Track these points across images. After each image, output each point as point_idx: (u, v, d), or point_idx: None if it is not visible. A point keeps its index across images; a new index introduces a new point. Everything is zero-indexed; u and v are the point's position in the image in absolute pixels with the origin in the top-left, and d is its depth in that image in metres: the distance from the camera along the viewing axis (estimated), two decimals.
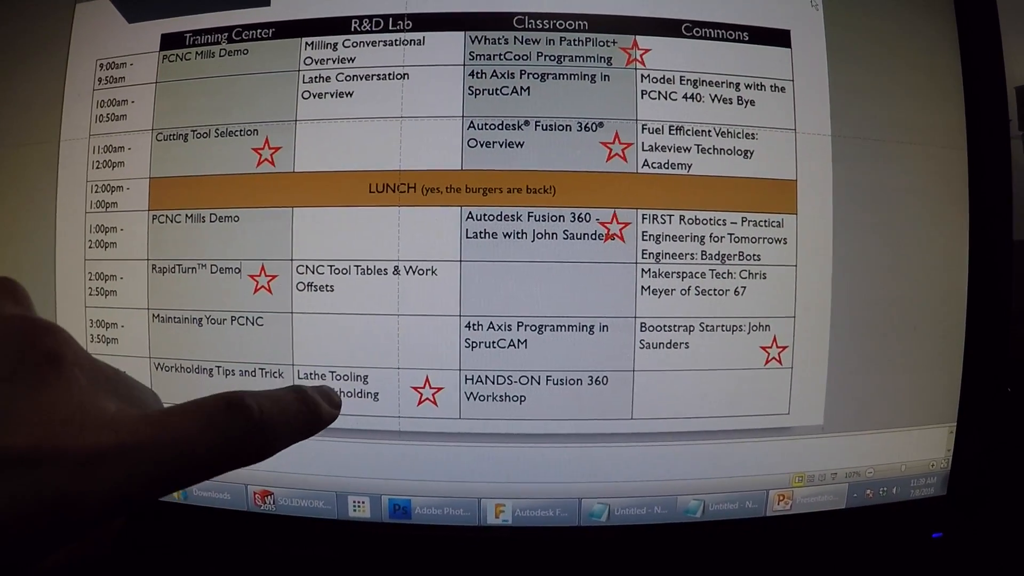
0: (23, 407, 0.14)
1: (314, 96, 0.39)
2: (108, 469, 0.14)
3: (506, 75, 0.38)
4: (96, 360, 0.17)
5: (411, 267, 0.37)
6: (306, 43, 0.39)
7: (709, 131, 0.38)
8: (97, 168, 0.41)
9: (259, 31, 0.40)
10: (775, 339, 0.39)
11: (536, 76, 0.38)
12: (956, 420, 0.41)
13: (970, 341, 0.41)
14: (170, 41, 0.41)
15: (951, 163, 0.41)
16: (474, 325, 0.37)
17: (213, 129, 0.39)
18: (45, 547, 0.14)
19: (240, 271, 0.39)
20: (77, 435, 0.14)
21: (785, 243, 0.39)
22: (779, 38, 0.40)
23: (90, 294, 0.41)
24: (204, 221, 0.39)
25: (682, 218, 0.38)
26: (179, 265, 0.40)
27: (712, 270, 0.38)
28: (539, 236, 0.37)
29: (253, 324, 0.39)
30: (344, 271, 0.38)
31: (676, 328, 0.38)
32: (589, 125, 0.38)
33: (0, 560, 0.13)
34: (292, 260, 0.38)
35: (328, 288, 0.38)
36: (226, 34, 0.40)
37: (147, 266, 0.40)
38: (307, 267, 0.38)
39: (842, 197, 0.39)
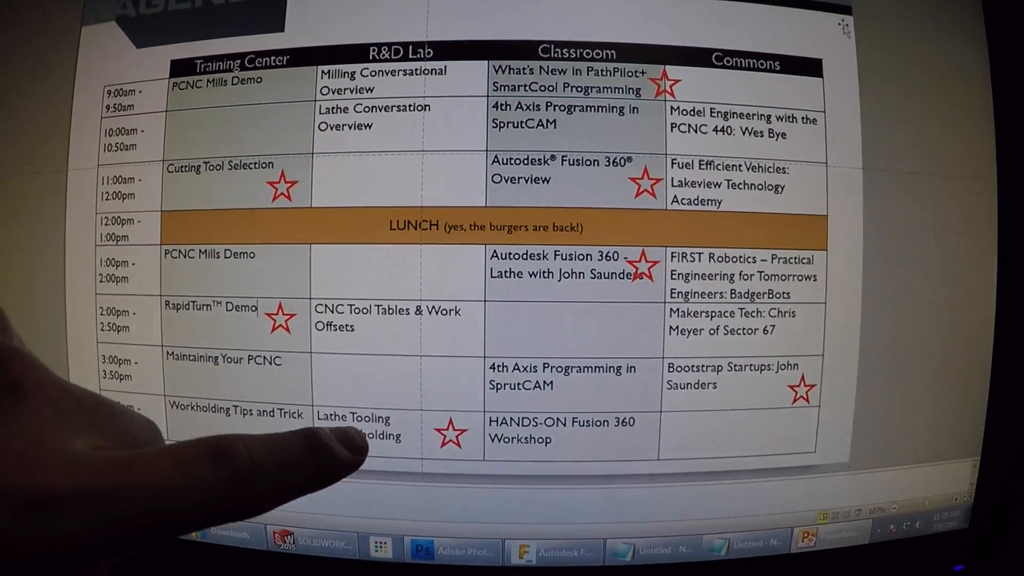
0: None
1: (331, 128, 0.36)
2: (62, 515, 0.12)
3: (531, 107, 0.36)
4: (72, 388, 0.15)
5: (434, 307, 0.35)
6: (322, 71, 0.36)
7: (740, 165, 0.36)
8: (107, 199, 0.39)
9: (273, 58, 0.37)
10: (803, 377, 0.37)
11: (562, 108, 0.36)
12: (980, 454, 0.40)
13: (996, 375, 0.40)
14: (180, 68, 0.38)
15: (981, 195, 0.39)
16: (499, 366, 0.35)
17: (226, 161, 0.37)
18: None
19: (257, 309, 0.37)
20: (27, 474, 0.12)
21: (815, 280, 0.37)
22: (811, 67, 0.37)
23: (102, 329, 0.39)
24: (218, 257, 0.37)
25: (711, 256, 0.36)
26: (193, 302, 0.37)
27: (741, 309, 0.36)
28: (566, 275, 0.35)
29: (271, 363, 0.37)
30: (365, 311, 0.36)
31: (704, 368, 0.36)
32: (617, 160, 0.35)
33: None
34: (311, 299, 0.36)
35: (348, 328, 0.36)
36: (238, 61, 0.37)
37: (160, 302, 0.38)
38: (326, 306, 0.36)
39: (872, 232, 0.37)
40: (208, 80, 0.38)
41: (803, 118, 0.37)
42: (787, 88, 0.37)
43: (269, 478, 0.14)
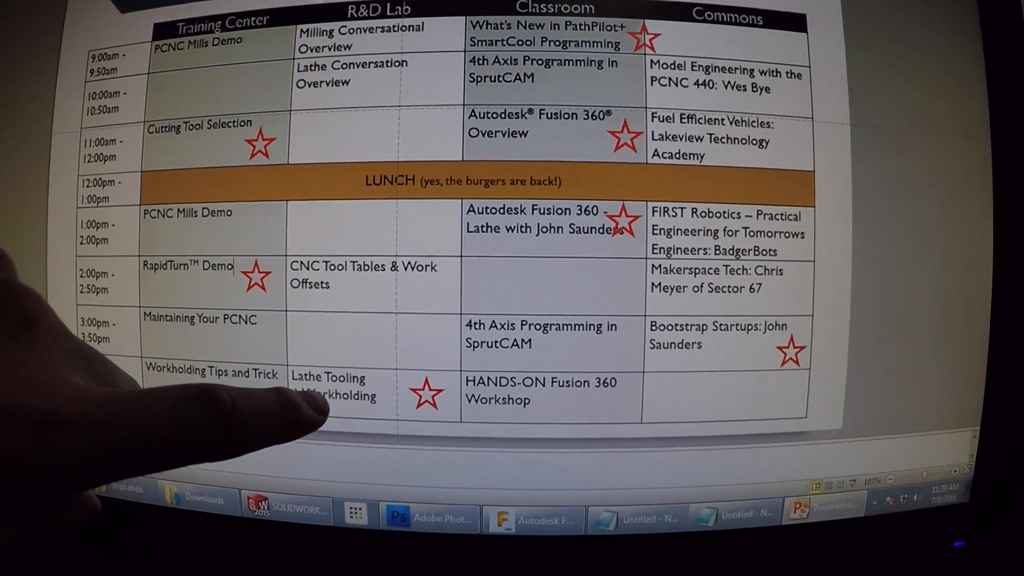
0: None
1: (309, 85, 0.35)
2: (67, 436, 0.13)
3: (509, 61, 0.34)
4: (73, 335, 0.16)
5: (410, 263, 0.33)
6: (301, 30, 0.35)
7: (722, 119, 0.34)
8: (89, 162, 0.37)
9: (253, 18, 0.36)
10: (792, 339, 0.34)
11: (540, 62, 0.34)
12: (980, 424, 0.37)
13: (995, 340, 0.37)
14: (163, 31, 0.37)
15: (975, 153, 0.37)
16: (475, 324, 0.33)
17: (206, 120, 0.36)
18: None
19: (233, 267, 0.35)
20: (40, 398, 0.13)
21: (803, 237, 0.34)
22: (795, 22, 0.35)
23: (81, 292, 0.37)
24: (196, 216, 0.35)
25: (694, 211, 0.34)
26: (171, 261, 0.36)
27: (726, 266, 0.34)
28: (544, 230, 0.33)
29: (246, 322, 0.35)
30: (340, 267, 0.34)
31: (688, 327, 0.34)
32: (596, 113, 0.34)
33: None
34: (286, 256, 0.34)
35: (323, 285, 0.34)
36: (219, 22, 0.36)
37: (139, 262, 0.36)
38: (302, 263, 0.34)
39: (862, 189, 0.35)
40: (190, 42, 0.36)
41: (787, 73, 0.35)
42: (770, 43, 0.35)
43: (247, 423, 0.15)
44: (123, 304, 0.37)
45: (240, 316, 0.35)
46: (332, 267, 0.34)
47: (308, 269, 0.34)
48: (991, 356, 0.37)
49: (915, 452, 0.37)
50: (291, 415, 0.16)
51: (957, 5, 0.37)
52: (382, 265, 0.34)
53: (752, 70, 0.35)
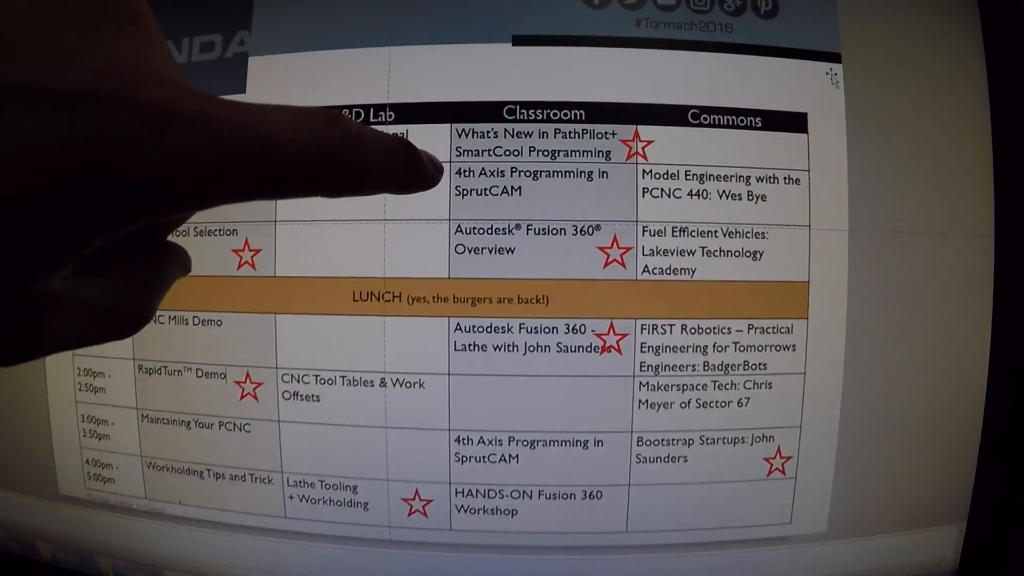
0: (94, 51, 0.11)
1: None
2: (184, 131, 0.11)
3: (495, 173, 0.34)
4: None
5: (398, 379, 0.34)
6: None
7: (715, 232, 0.34)
8: None
9: None
10: (779, 450, 0.35)
11: (528, 174, 0.34)
12: (967, 519, 0.38)
13: (986, 439, 0.37)
14: None
15: (977, 253, 0.36)
16: (464, 439, 0.34)
17: (192, 227, 0.36)
18: (86, 211, 0.11)
19: (225, 376, 0.36)
20: (154, 88, 0.11)
21: (794, 350, 0.35)
22: (795, 123, 0.34)
23: (79, 390, 0.39)
24: (187, 323, 0.36)
25: (684, 327, 0.34)
26: (164, 367, 0.37)
27: (714, 381, 0.34)
28: (531, 349, 0.34)
29: (240, 430, 0.36)
30: (330, 382, 0.35)
31: (675, 442, 0.34)
32: (585, 228, 0.33)
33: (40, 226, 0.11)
34: (277, 368, 0.35)
35: (314, 398, 0.35)
36: None
37: (133, 366, 0.37)
38: (292, 376, 0.35)
39: (857, 297, 0.35)
40: None
41: (785, 178, 0.34)
42: (769, 146, 0.34)
43: (371, 152, 0.14)
44: (120, 405, 0.38)
45: (235, 424, 0.36)
46: (322, 381, 0.35)
47: (299, 382, 0.35)
48: (981, 454, 0.37)
49: (900, 549, 0.38)
50: (413, 159, 0.15)
51: (968, 102, 0.35)
52: (371, 381, 0.34)
53: (749, 177, 0.34)
